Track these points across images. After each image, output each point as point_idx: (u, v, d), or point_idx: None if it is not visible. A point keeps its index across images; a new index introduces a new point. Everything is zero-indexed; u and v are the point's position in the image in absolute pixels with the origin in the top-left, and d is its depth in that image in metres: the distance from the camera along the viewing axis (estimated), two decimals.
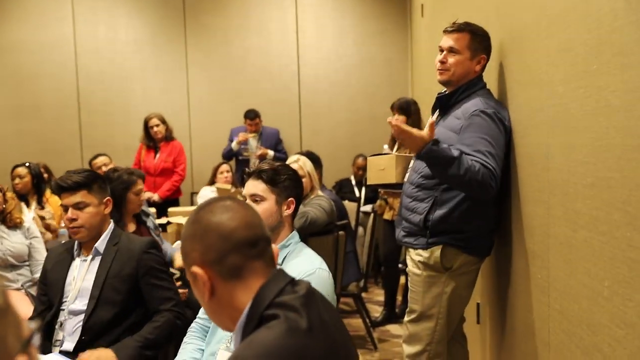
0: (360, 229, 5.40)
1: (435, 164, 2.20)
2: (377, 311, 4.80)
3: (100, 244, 2.31)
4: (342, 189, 6.35)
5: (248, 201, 2.01)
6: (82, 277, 2.27)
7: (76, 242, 2.34)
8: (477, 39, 2.38)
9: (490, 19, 2.63)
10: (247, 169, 2.11)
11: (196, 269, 1.15)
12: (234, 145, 6.10)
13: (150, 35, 6.84)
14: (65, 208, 2.26)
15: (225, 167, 5.59)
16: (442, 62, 2.40)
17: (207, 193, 5.48)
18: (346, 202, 5.12)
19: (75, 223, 2.26)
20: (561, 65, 1.68)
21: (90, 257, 2.30)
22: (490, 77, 2.56)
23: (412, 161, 2.58)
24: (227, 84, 6.83)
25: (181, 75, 6.84)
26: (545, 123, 1.83)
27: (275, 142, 6.33)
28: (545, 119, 1.83)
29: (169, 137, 5.76)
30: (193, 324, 2.12)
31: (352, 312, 4.60)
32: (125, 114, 6.81)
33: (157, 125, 5.64)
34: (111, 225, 2.36)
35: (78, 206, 2.26)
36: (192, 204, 6.23)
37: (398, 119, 2.34)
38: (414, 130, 2.21)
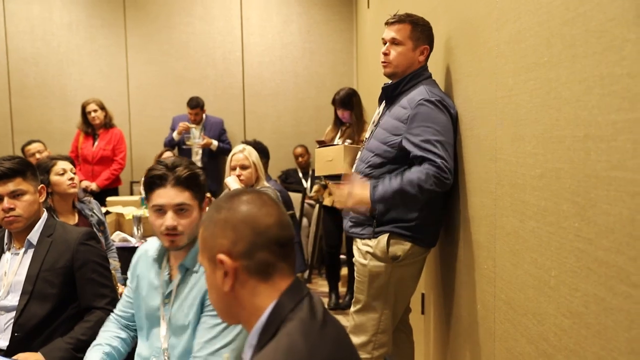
0: (305, 220, 5.38)
1: (387, 201, 2.26)
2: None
3: (33, 236, 2.18)
4: (288, 179, 6.31)
5: (169, 214, 1.82)
6: (14, 271, 2.14)
7: (6, 235, 2.20)
8: (418, 29, 2.38)
9: (438, 10, 2.64)
10: (156, 172, 1.82)
11: (223, 257, 1.12)
12: (175, 135, 5.93)
13: (86, 17, 6.56)
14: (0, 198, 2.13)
15: (168, 154, 5.46)
16: (385, 54, 2.40)
17: None
18: (291, 193, 5.09)
19: (12, 213, 2.13)
20: (511, 57, 1.68)
21: (22, 250, 2.18)
22: (438, 69, 2.57)
23: (359, 152, 2.57)
24: (169, 70, 6.64)
25: (120, 60, 6.60)
26: (494, 115, 1.84)
27: (219, 132, 6.20)
28: (494, 110, 1.84)
29: (108, 124, 5.54)
30: (110, 318, 2.06)
31: None
32: (62, 99, 6.53)
33: (95, 111, 5.43)
34: (45, 215, 2.24)
35: (15, 194, 2.14)
36: (131, 193, 6.06)
37: (338, 200, 2.41)
38: (352, 192, 2.32)
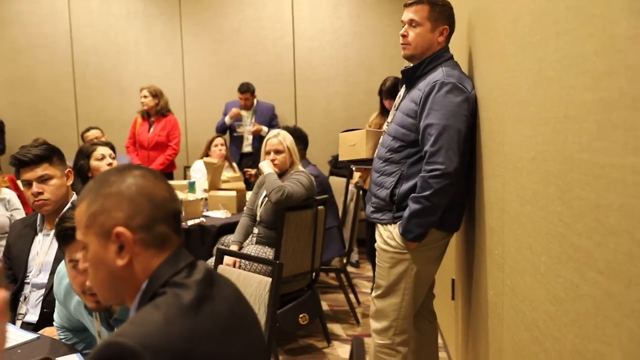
0: (352, 205, 5.38)
1: (413, 230, 2.28)
2: (366, 287, 4.80)
3: None
4: (337, 164, 6.32)
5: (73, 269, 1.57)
6: (45, 251, 2.27)
7: (39, 217, 2.34)
8: (436, 9, 2.32)
9: None
10: (68, 224, 1.56)
11: (122, 230, 1.09)
12: (227, 119, 6.07)
13: (143, 8, 6.77)
14: (28, 183, 2.26)
15: (219, 140, 5.57)
16: (404, 36, 2.36)
17: (199, 166, 5.48)
18: (336, 178, 5.10)
19: (41, 197, 2.26)
20: (514, 37, 1.63)
21: (53, 231, 2.30)
22: (462, 52, 2.51)
23: (382, 136, 2.55)
24: (222, 57, 6.76)
25: (175, 48, 6.78)
26: (501, 97, 1.79)
27: (270, 118, 6.27)
28: (501, 92, 1.79)
29: (162, 111, 5.73)
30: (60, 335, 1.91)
31: (338, 287, 4.60)
32: (119, 88, 6.79)
33: (145, 97, 5.62)
34: (73, 198, 2.36)
35: (42, 179, 2.26)
36: (185, 177, 6.24)
37: None
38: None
